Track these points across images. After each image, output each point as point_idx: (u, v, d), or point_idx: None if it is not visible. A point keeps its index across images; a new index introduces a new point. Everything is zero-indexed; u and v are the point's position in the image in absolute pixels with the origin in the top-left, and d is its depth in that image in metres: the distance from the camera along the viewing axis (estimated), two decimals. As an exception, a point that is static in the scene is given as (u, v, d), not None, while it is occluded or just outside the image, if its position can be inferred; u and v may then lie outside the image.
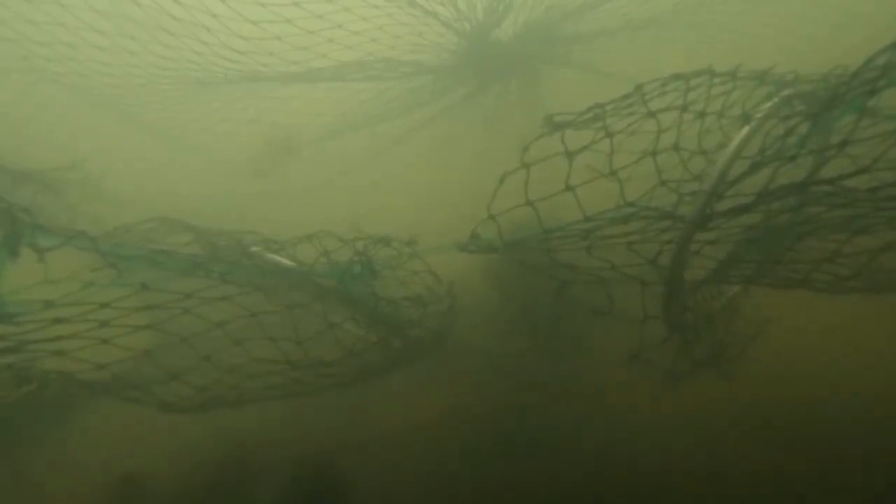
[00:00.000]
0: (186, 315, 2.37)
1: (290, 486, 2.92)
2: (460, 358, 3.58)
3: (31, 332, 2.09)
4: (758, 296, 3.13)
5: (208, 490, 2.99)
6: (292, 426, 3.25)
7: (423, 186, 5.89)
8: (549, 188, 2.28)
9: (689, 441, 2.83)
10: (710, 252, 2.41)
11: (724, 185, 2.21)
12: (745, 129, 2.28)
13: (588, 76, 6.06)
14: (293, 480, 2.91)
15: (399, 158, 6.60)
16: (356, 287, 2.72)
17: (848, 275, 2.39)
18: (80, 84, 5.06)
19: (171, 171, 6.24)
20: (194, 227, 2.93)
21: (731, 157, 2.23)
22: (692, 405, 2.95)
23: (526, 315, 3.77)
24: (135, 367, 2.47)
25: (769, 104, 2.35)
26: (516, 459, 2.94)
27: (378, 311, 2.86)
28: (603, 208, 2.28)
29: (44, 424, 3.26)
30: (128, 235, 2.79)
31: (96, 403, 3.21)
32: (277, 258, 2.73)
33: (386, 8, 4.54)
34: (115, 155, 5.56)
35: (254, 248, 2.76)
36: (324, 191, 6.31)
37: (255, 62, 4.81)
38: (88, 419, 3.32)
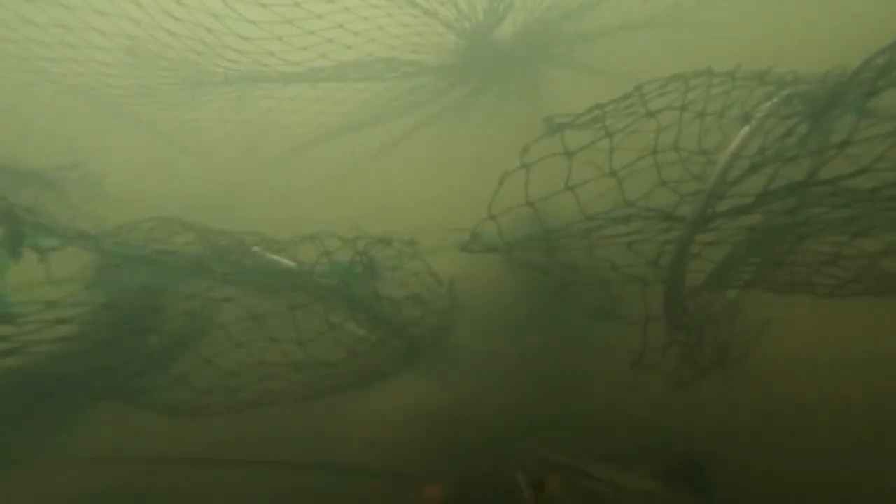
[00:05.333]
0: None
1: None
2: (461, 357, 3.59)
3: (34, 333, 2.09)
4: (759, 296, 3.13)
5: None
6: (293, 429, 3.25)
7: (423, 186, 5.88)
8: (550, 188, 2.29)
9: (690, 441, 2.83)
10: (711, 254, 2.42)
11: (725, 186, 2.21)
12: (745, 129, 2.29)
13: (588, 76, 6.07)
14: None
15: (399, 158, 6.59)
16: (357, 287, 2.73)
17: (850, 278, 2.39)
18: (81, 84, 5.06)
19: (172, 171, 6.23)
20: (195, 226, 2.93)
21: (731, 157, 2.24)
22: (694, 405, 2.95)
23: (528, 315, 3.78)
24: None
25: (769, 104, 2.35)
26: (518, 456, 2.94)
27: (380, 311, 2.86)
28: (604, 209, 2.29)
29: (44, 428, 3.26)
30: (130, 234, 2.80)
31: (97, 406, 3.20)
32: (279, 258, 2.73)
33: (386, 8, 4.54)
34: (116, 155, 5.56)
35: (255, 249, 2.76)
36: (324, 191, 6.30)
37: (255, 62, 4.81)
38: (89, 422, 3.31)
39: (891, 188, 1.87)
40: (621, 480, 2.39)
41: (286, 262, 2.72)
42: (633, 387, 3.01)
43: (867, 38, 2.19)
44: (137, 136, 6.06)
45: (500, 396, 3.36)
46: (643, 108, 2.29)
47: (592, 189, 2.32)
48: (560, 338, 3.59)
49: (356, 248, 2.76)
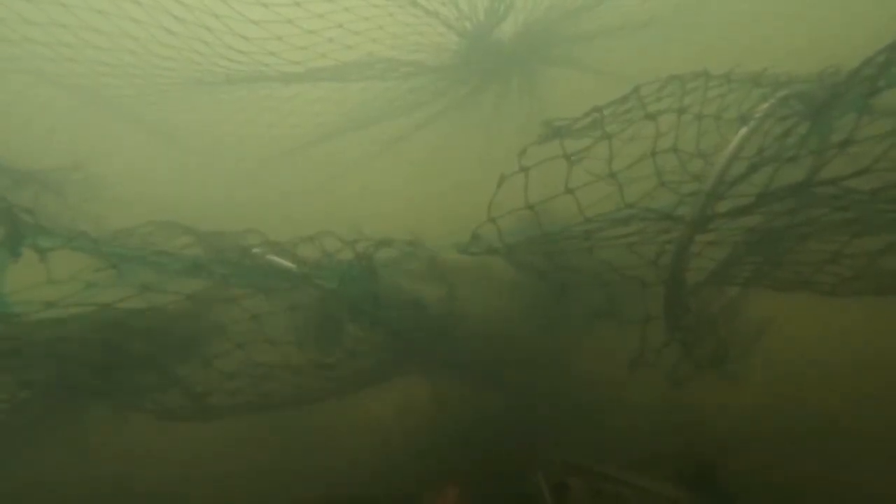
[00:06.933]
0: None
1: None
2: (460, 359, 3.58)
3: (33, 334, 2.09)
4: (759, 296, 3.13)
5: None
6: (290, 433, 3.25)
7: (423, 186, 5.89)
8: (550, 190, 2.28)
9: (689, 441, 2.83)
10: (711, 253, 2.41)
11: (724, 186, 2.21)
12: (744, 130, 2.28)
13: (587, 76, 6.07)
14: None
15: (399, 158, 6.60)
16: (357, 288, 2.72)
17: (851, 276, 2.39)
18: (81, 85, 5.07)
19: (172, 172, 6.25)
20: (193, 230, 2.92)
21: (730, 158, 2.23)
22: (693, 405, 2.95)
23: (528, 317, 3.77)
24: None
25: (766, 105, 2.35)
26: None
27: (379, 312, 2.86)
28: (604, 210, 2.29)
29: (43, 431, 3.25)
30: (129, 239, 2.79)
31: (96, 408, 3.19)
32: (278, 260, 2.72)
33: (387, 7, 4.54)
34: (116, 155, 5.57)
35: (255, 250, 2.75)
36: (324, 191, 6.31)
37: (256, 62, 4.81)
38: (87, 425, 3.30)
39: (892, 189, 1.86)
40: (646, 485, 2.35)
41: (286, 263, 2.71)
42: (633, 388, 3.01)
43: (867, 38, 2.19)
44: (138, 137, 6.07)
45: (499, 398, 3.36)
46: (641, 111, 2.28)
47: (592, 191, 2.31)
48: (560, 339, 3.59)
49: (356, 249, 2.76)
